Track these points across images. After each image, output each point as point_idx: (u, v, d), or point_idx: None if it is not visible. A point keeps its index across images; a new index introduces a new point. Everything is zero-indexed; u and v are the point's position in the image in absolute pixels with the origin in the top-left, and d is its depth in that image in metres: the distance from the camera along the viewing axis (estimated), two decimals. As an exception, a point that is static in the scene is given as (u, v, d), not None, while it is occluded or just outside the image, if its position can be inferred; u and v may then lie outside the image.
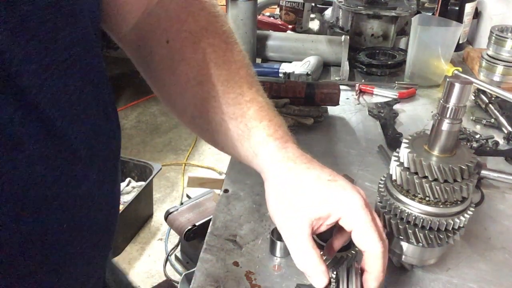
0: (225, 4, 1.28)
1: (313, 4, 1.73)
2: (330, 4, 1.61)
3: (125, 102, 3.40)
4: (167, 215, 1.89)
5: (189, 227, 1.79)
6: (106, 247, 0.52)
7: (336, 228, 0.53)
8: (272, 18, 1.78)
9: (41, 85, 0.35)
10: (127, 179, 2.27)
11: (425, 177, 0.54)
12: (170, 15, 0.54)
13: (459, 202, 0.56)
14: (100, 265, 0.54)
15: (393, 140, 0.95)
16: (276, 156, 0.51)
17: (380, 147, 0.93)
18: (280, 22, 1.70)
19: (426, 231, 0.56)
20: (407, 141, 0.57)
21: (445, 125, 0.52)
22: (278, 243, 0.66)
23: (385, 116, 1.05)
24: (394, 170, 0.57)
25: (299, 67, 1.22)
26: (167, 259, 2.08)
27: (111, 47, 3.39)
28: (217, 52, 0.53)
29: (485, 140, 0.95)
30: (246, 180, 0.83)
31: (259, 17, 1.71)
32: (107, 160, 0.47)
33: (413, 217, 0.56)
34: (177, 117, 0.59)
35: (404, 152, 0.55)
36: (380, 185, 0.61)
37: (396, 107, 1.11)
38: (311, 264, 0.47)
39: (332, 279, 0.48)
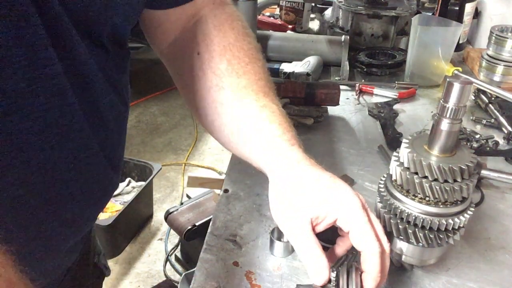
0: (225, 4, 1.28)
1: (313, 4, 1.73)
2: (330, 4, 1.61)
3: (125, 102, 3.40)
4: (167, 215, 1.89)
5: (189, 227, 1.79)
6: (103, 197, 0.58)
7: (339, 236, 0.54)
8: (272, 18, 1.79)
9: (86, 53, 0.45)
10: (127, 179, 2.27)
11: (425, 177, 0.54)
12: (203, 32, 0.61)
13: (459, 202, 0.56)
14: (93, 216, 0.60)
15: (393, 140, 0.95)
16: (281, 156, 0.53)
17: (380, 147, 0.93)
18: (280, 22, 1.70)
19: (426, 231, 0.56)
20: (407, 141, 0.57)
21: (445, 125, 0.52)
22: (278, 243, 0.66)
23: (385, 116, 1.05)
24: (394, 170, 0.57)
25: (299, 67, 1.22)
26: (167, 259, 2.08)
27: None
28: (240, 63, 0.59)
29: (485, 140, 0.95)
30: (246, 180, 0.83)
31: (259, 17, 1.71)
32: (121, 114, 0.56)
33: (413, 217, 0.56)
34: (199, 121, 0.65)
35: (404, 152, 0.55)
36: (380, 185, 0.61)
37: (396, 107, 1.11)
38: (313, 257, 0.48)
39: (332, 279, 0.48)
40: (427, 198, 0.55)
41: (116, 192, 2.12)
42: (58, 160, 0.46)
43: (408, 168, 0.55)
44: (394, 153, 0.58)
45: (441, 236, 0.57)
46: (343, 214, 0.48)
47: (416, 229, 0.57)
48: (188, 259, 2.01)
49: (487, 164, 0.87)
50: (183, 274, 1.71)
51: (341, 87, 1.06)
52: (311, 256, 0.48)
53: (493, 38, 1.20)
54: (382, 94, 1.17)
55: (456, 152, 0.55)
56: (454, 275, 0.64)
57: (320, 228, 0.50)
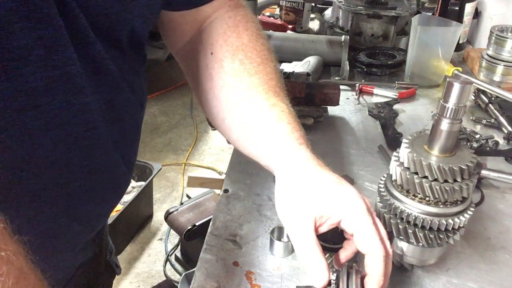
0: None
1: (313, 4, 1.73)
2: (330, 4, 1.61)
3: (125, 102, 3.40)
4: (167, 215, 1.89)
5: (189, 227, 1.79)
6: (115, 194, 0.60)
7: (339, 237, 0.54)
8: (272, 18, 1.79)
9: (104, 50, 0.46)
10: (127, 179, 2.27)
11: (425, 177, 0.54)
12: (218, 33, 0.62)
13: (459, 202, 0.56)
14: (105, 214, 0.61)
15: (393, 140, 0.95)
16: (289, 155, 0.53)
17: (380, 147, 0.93)
18: (280, 22, 1.70)
19: (426, 231, 0.56)
20: (407, 141, 0.57)
21: (445, 125, 0.52)
22: (278, 243, 0.66)
23: (385, 116, 1.05)
24: (394, 170, 0.57)
25: (299, 67, 1.22)
26: (167, 259, 2.08)
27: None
28: (252, 63, 0.60)
29: (485, 140, 0.95)
30: (246, 180, 0.83)
31: (259, 17, 1.71)
32: (136, 114, 0.59)
33: (413, 217, 0.56)
34: (211, 120, 0.66)
35: (404, 152, 0.55)
36: (380, 185, 0.61)
37: (396, 107, 1.11)
38: (313, 259, 0.47)
39: (332, 281, 0.48)
40: (427, 198, 0.55)
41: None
42: (73, 157, 0.46)
43: (408, 168, 0.55)
44: (394, 153, 0.58)
45: (441, 236, 0.57)
46: (348, 215, 0.48)
47: (416, 229, 0.57)
48: (188, 259, 2.01)
49: (487, 164, 0.87)
50: (183, 274, 1.71)
51: (341, 87, 1.06)
52: (311, 257, 0.48)
53: (493, 38, 1.20)
54: (382, 94, 1.17)
55: (456, 152, 0.55)
56: (454, 275, 0.64)
57: (323, 229, 0.49)
